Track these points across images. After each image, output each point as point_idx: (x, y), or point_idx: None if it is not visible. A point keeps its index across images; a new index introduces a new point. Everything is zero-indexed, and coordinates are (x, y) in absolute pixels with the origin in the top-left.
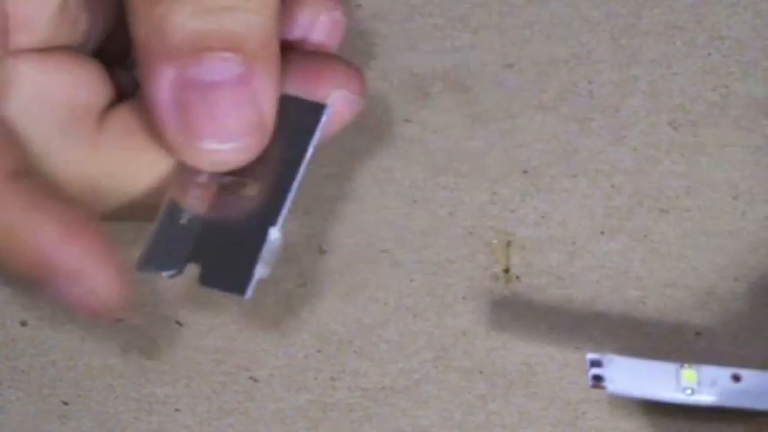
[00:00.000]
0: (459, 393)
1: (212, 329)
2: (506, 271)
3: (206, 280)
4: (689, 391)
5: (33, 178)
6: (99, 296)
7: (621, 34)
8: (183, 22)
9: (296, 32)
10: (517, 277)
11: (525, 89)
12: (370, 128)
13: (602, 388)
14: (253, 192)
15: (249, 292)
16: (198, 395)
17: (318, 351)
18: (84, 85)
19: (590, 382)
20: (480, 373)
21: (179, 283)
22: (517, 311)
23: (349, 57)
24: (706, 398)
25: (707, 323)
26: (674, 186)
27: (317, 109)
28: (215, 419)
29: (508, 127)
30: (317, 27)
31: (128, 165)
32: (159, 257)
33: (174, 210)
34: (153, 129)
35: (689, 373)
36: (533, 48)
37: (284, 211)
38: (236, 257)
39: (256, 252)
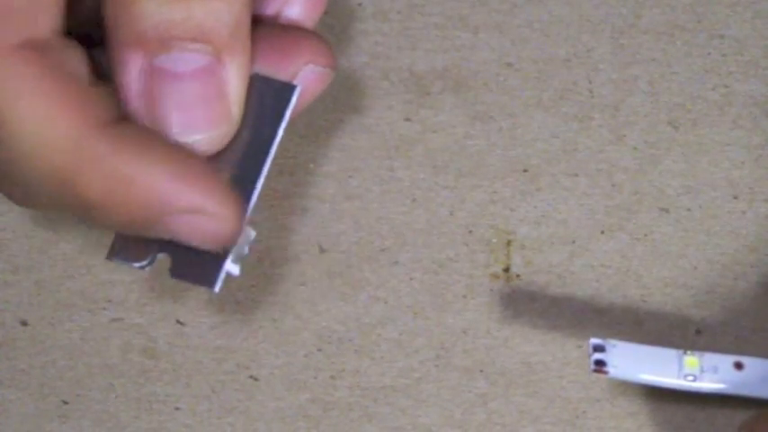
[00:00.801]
0: (459, 392)
1: (213, 328)
2: (506, 270)
3: (176, 272)
4: (690, 378)
5: (132, 123)
6: (220, 228)
7: (621, 33)
8: (151, 9)
9: (270, 8)
10: (517, 276)
11: (525, 88)
12: (371, 126)
13: (605, 373)
14: (224, 179)
15: (218, 285)
16: (198, 394)
17: (319, 350)
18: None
19: (592, 367)
20: (481, 371)
21: (179, 282)
22: (517, 310)
23: (349, 55)
24: (708, 385)
25: (707, 321)
26: (674, 185)
27: (287, 89)
28: (215, 418)
29: (508, 126)
30: (294, 2)
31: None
32: (130, 248)
33: None
34: (124, 112)
35: (691, 360)
36: (533, 47)
37: (254, 199)
38: (205, 252)
39: (227, 247)
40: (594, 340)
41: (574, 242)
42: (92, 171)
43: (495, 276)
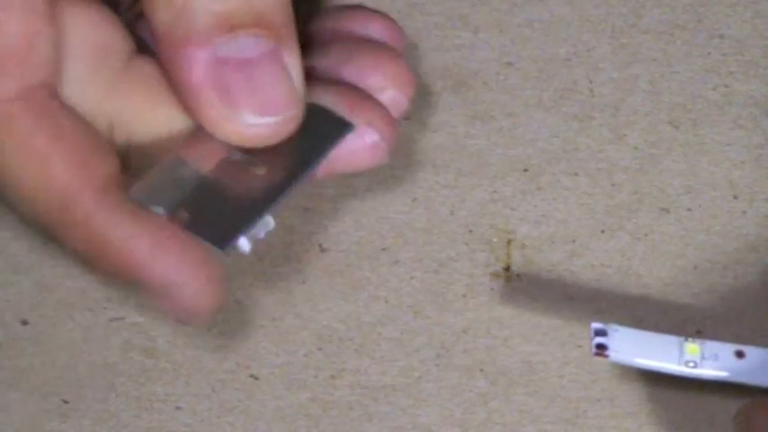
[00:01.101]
0: (459, 391)
1: (212, 327)
2: (507, 269)
3: (192, 227)
4: (691, 364)
5: (122, 192)
6: (191, 304)
7: (622, 33)
8: (207, 5)
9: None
10: (518, 275)
11: (526, 87)
12: None
13: (606, 356)
14: (260, 172)
15: (229, 248)
16: (198, 393)
17: (319, 349)
18: (107, 28)
19: (593, 350)
20: (481, 371)
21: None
22: (518, 309)
23: None
24: (708, 372)
25: (707, 321)
26: (674, 185)
27: (343, 125)
28: (215, 417)
29: (508, 125)
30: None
31: (142, 114)
32: (154, 193)
33: (179, 161)
34: (187, 109)
35: (692, 347)
36: (534, 46)
37: (284, 199)
38: (226, 217)
39: (248, 220)
40: (596, 324)
41: (574, 241)
42: (74, 231)
43: (495, 275)
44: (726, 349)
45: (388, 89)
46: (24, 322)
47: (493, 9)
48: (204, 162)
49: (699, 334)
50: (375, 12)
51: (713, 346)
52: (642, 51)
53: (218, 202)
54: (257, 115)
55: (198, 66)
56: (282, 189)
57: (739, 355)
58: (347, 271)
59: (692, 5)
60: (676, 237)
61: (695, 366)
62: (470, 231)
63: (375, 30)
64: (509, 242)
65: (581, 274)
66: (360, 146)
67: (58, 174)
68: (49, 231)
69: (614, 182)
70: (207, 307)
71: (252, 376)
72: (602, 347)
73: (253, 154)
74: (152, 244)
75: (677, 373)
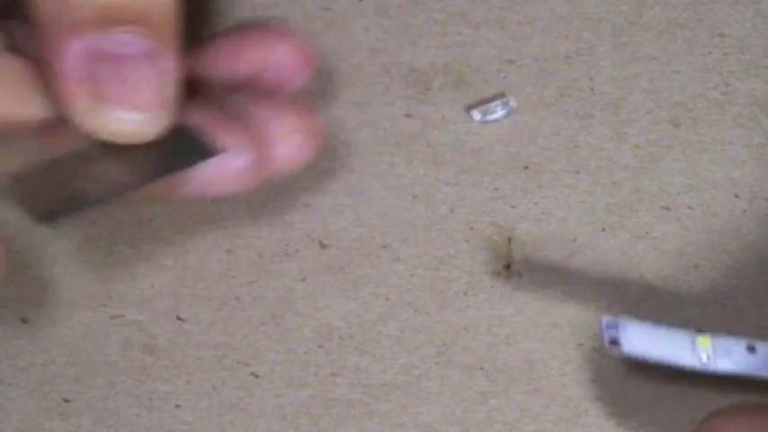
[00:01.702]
0: (460, 389)
1: (213, 325)
2: (507, 267)
3: (20, 197)
4: (705, 358)
5: None
6: None
7: (622, 31)
8: None
9: (243, 69)
10: (518, 273)
11: (526, 85)
12: (371, 122)
13: (619, 351)
14: (108, 168)
15: (44, 223)
16: (198, 391)
17: (319, 347)
18: None
19: (606, 344)
20: (481, 369)
21: (179, 278)
22: (518, 307)
23: (349, 51)
24: (721, 365)
25: (708, 320)
26: (675, 184)
27: (208, 149)
28: (216, 415)
29: (509, 123)
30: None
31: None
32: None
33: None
34: (56, 99)
35: (704, 340)
36: (534, 44)
37: (113, 199)
38: (52, 197)
39: (71, 207)
40: (607, 318)
41: (575, 240)
42: None
43: (496, 273)
44: (737, 344)
45: (286, 139)
46: (24, 320)
47: (494, 6)
48: (59, 147)
49: (699, 333)
50: (281, 33)
51: (724, 340)
52: (643, 50)
53: (53, 182)
54: (122, 111)
55: (70, 56)
56: (118, 190)
57: (751, 349)
58: (348, 268)
59: (692, 4)
60: (677, 235)
61: (708, 361)
62: (471, 229)
63: (280, 54)
64: (510, 240)
65: (582, 272)
66: (228, 170)
67: None
68: None
69: (615, 180)
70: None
71: (252, 374)
72: (614, 342)
73: (109, 150)
74: None
75: (690, 368)
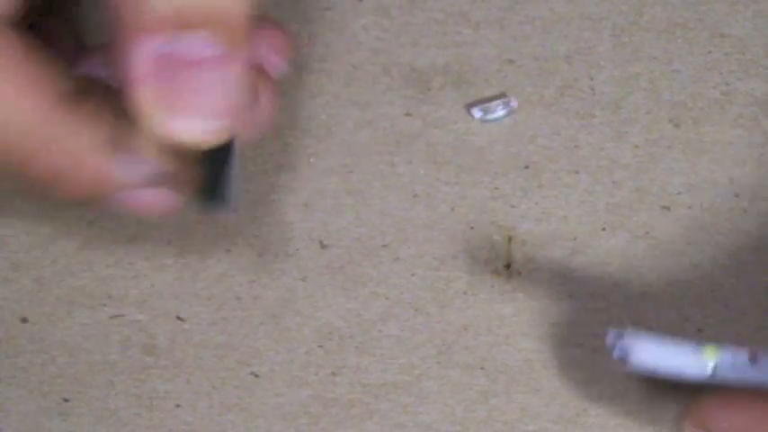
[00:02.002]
0: (460, 389)
1: (213, 324)
2: (507, 266)
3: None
4: (710, 371)
5: (79, 99)
6: (157, 202)
7: (623, 31)
8: None
9: None
10: (518, 273)
11: (526, 85)
12: (371, 122)
13: (628, 363)
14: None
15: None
16: (198, 391)
17: (319, 346)
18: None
19: (615, 357)
20: (482, 368)
21: (179, 278)
22: (518, 307)
23: (350, 51)
24: (725, 377)
25: (708, 320)
26: (675, 183)
27: (223, 201)
28: (216, 415)
29: (509, 122)
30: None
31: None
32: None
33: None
34: (127, 102)
35: (710, 351)
36: (534, 43)
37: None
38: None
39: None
40: (613, 331)
41: (575, 239)
42: (39, 153)
43: (496, 273)
44: (740, 354)
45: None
46: (24, 320)
47: (494, 6)
48: None
49: (699, 333)
50: (263, 22)
51: (728, 350)
52: (643, 49)
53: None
54: (195, 117)
55: (144, 58)
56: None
57: (753, 359)
58: (348, 268)
59: (692, 4)
60: (677, 235)
61: (714, 374)
62: (471, 228)
63: (262, 42)
64: (510, 239)
65: (582, 271)
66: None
67: (29, 92)
68: (11, 168)
69: (615, 180)
70: (171, 205)
71: (252, 374)
72: (623, 355)
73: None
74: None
75: (697, 381)
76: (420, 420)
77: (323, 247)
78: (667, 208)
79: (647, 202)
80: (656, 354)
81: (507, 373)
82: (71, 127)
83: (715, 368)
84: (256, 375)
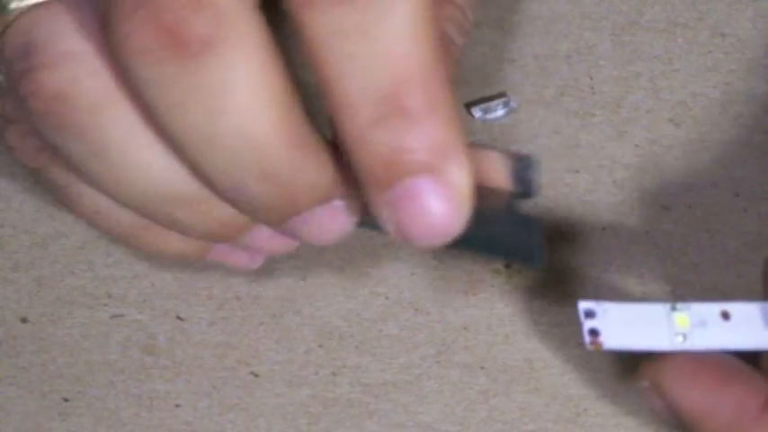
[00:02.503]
0: (460, 389)
1: (213, 324)
2: (508, 266)
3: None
4: (680, 338)
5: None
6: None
7: (623, 30)
8: (383, 140)
9: None
10: (518, 272)
11: (527, 84)
12: None
13: (600, 345)
14: None
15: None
16: (198, 391)
17: (319, 346)
18: None
19: (587, 338)
20: (482, 368)
21: (179, 278)
22: (518, 306)
23: None
24: (698, 344)
25: None
26: (675, 183)
27: (533, 256)
28: (216, 415)
29: (509, 122)
30: None
31: None
32: None
33: None
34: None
35: (681, 317)
36: (535, 43)
37: None
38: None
39: None
40: (584, 304)
41: (575, 239)
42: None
43: (496, 272)
44: (712, 312)
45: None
46: (24, 320)
47: (494, 5)
48: None
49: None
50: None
51: (699, 311)
52: (643, 49)
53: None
54: (425, 239)
55: (382, 207)
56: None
57: (725, 316)
58: (348, 267)
59: (693, 3)
60: (677, 234)
61: (685, 339)
62: None
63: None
64: None
65: (582, 271)
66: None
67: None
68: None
69: (615, 179)
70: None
71: (252, 373)
72: (595, 333)
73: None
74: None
75: (670, 351)
76: (420, 420)
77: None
78: (667, 207)
79: (647, 202)
80: (627, 330)
81: (507, 373)
82: (308, 155)
83: (686, 336)
84: (256, 375)
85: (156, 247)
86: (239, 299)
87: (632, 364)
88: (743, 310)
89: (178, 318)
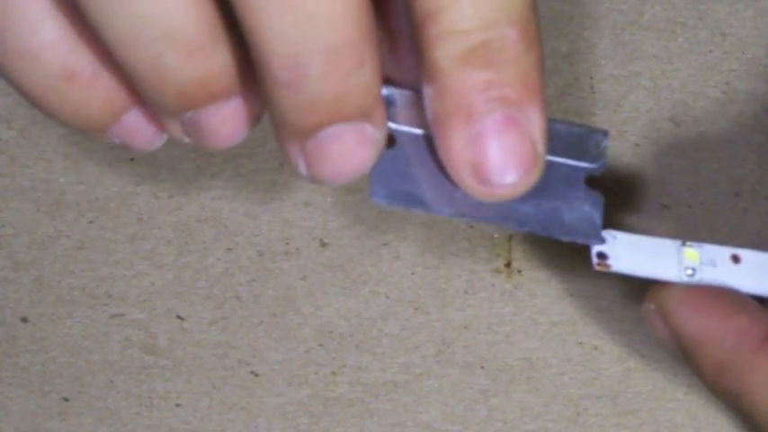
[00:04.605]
0: (460, 388)
1: (213, 324)
2: (508, 265)
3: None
4: (690, 272)
5: None
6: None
7: (623, 30)
8: (469, 82)
9: None
10: (519, 271)
11: None
12: None
13: (607, 267)
14: None
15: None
16: (199, 390)
17: (320, 345)
18: None
19: (594, 261)
20: (482, 367)
21: (179, 277)
22: (519, 306)
23: None
24: (706, 279)
25: None
26: (675, 182)
27: (594, 234)
28: (216, 414)
29: None
30: None
31: None
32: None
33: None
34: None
35: (691, 252)
36: None
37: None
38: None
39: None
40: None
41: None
42: None
43: (496, 271)
44: (722, 253)
45: None
46: (24, 320)
47: None
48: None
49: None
50: None
51: (710, 251)
52: (643, 48)
53: (404, 170)
54: (503, 184)
55: (457, 143)
56: (460, 214)
57: (735, 259)
58: (348, 266)
59: (693, 3)
60: (677, 234)
61: (693, 274)
62: (471, 227)
63: None
64: (510, 238)
65: (582, 270)
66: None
67: None
68: None
69: (615, 178)
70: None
71: (252, 373)
72: (602, 256)
73: None
74: None
75: (677, 282)
76: (420, 419)
77: (323, 245)
78: (667, 207)
79: (648, 201)
80: (636, 257)
81: (507, 372)
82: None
83: (695, 271)
84: (256, 374)
85: (74, 105)
86: (239, 298)
87: (632, 364)
88: (754, 257)
89: (178, 317)
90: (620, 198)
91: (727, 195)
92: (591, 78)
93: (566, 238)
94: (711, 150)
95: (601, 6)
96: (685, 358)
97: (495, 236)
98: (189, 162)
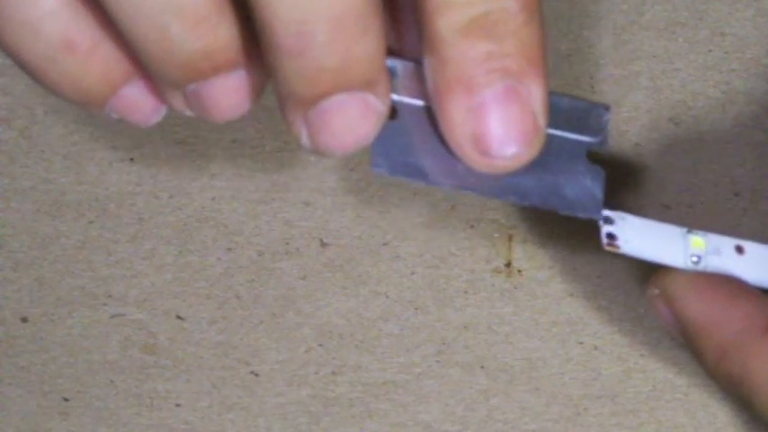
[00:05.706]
0: (460, 388)
1: (213, 323)
2: (508, 265)
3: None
4: (695, 259)
5: None
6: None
7: (623, 29)
8: (470, 54)
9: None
10: (519, 271)
11: None
12: None
13: (616, 248)
14: None
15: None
16: (199, 390)
17: (320, 345)
18: None
19: (604, 241)
20: (482, 367)
21: (179, 277)
22: (519, 305)
23: None
24: (711, 266)
25: None
26: (675, 182)
27: (595, 209)
28: (216, 414)
29: None
30: None
31: None
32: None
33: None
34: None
35: (696, 240)
36: None
37: None
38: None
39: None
40: (605, 212)
41: (575, 237)
42: None
43: (496, 271)
44: (727, 243)
45: None
46: (24, 319)
47: None
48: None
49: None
50: None
51: (715, 240)
52: (643, 48)
53: (407, 141)
54: (503, 156)
55: (457, 115)
56: (465, 187)
57: (739, 250)
58: (348, 266)
59: (693, 3)
60: None
61: (699, 261)
62: (472, 227)
63: None
64: (510, 238)
65: (582, 269)
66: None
67: None
68: None
69: (615, 178)
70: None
71: (252, 373)
72: (612, 237)
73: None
74: None
75: (682, 268)
76: (420, 419)
77: (323, 245)
78: (668, 206)
79: (648, 201)
80: (645, 241)
81: (507, 372)
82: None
83: (700, 259)
84: (256, 374)
85: (73, 76)
86: (239, 298)
87: (632, 364)
88: (757, 249)
89: (178, 317)
90: (621, 198)
91: (727, 195)
92: (591, 78)
93: (566, 212)
94: (711, 150)
95: (601, 6)
96: (688, 343)
97: (495, 236)
98: (189, 162)
